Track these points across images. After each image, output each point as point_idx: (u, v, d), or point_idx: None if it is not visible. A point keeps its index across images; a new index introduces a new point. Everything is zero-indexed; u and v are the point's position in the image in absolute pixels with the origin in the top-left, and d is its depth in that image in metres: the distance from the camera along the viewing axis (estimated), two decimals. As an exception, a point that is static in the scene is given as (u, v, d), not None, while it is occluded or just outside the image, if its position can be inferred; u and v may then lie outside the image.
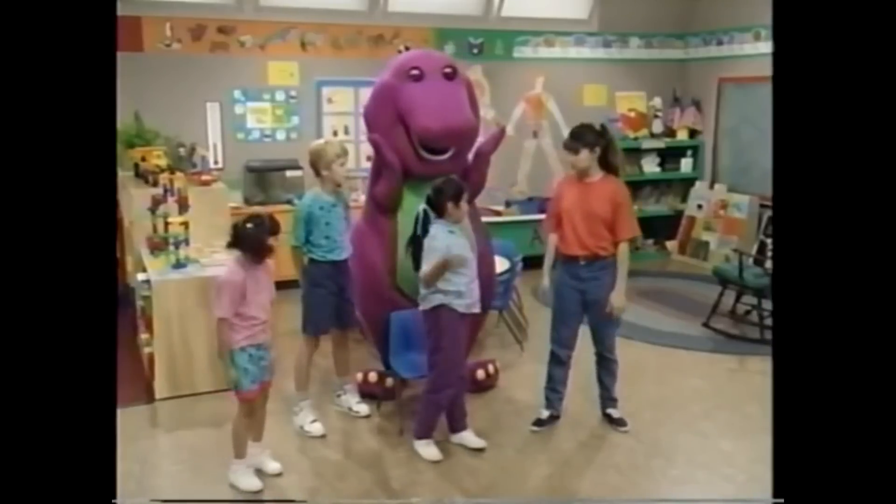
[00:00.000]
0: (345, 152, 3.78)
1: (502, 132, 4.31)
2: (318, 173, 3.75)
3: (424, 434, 3.55)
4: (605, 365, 3.81)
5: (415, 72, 4.00)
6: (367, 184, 4.35)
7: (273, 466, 3.37)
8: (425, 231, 3.38)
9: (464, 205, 3.39)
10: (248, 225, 3.13)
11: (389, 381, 4.00)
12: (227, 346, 3.12)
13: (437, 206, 3.38)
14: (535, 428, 3.81)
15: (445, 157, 3.98)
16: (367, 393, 4.06)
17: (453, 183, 3.42)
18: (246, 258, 3.15)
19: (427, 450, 3.52)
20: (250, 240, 3.12)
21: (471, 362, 4.08)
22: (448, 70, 4.06)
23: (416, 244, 3.40)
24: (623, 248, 3.57)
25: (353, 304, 3.97)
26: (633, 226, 3.61)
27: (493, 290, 4.30)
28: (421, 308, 3.47)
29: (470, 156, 4.17)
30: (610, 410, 3.86)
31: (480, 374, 4.21)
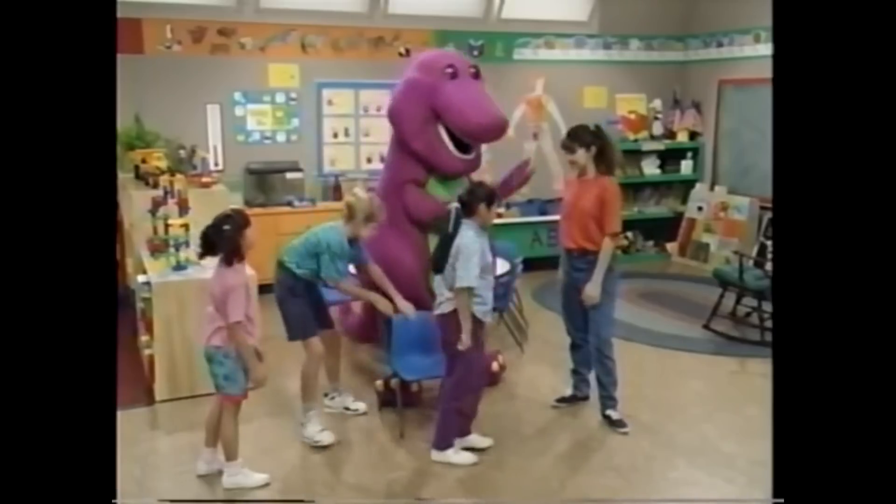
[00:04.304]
0: (379, 217, 3.72)
1: (529, 170, 4.55)
2: (347, 219, 3.69)
3: (448, 443, 3.51)
4: (600, 360, 3.84)
5: (450, 70, 4.08)
6: (404, 196, 4.24)
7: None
8: (456, 230, 3.40)
9: (494, 209, 3.46)
10: (225, 227, 3.12)
11: (414, 387, 3.99)
12: (247, 348, 3.15)
13: (469, 205, 3.39)
14: (556, 404, 4.07)
15: (472, 155, 4.14)
16: (388, 401, 3.98)
17: (487, 187, 3.50)
18: (227, 259, 3.15)
19: (458, 456, 3.49)
20: (230, 241, 3.12)
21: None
22: (473, 70, 4.20)
23: (444, 243, 3.40)
24: (605, 242, 3.69)
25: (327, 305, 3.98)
26: (614, 222, 3.70)
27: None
28: (437, 313, 3.46)
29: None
30: (609, 412, 3.87)
31: (494, 365, 4.24)
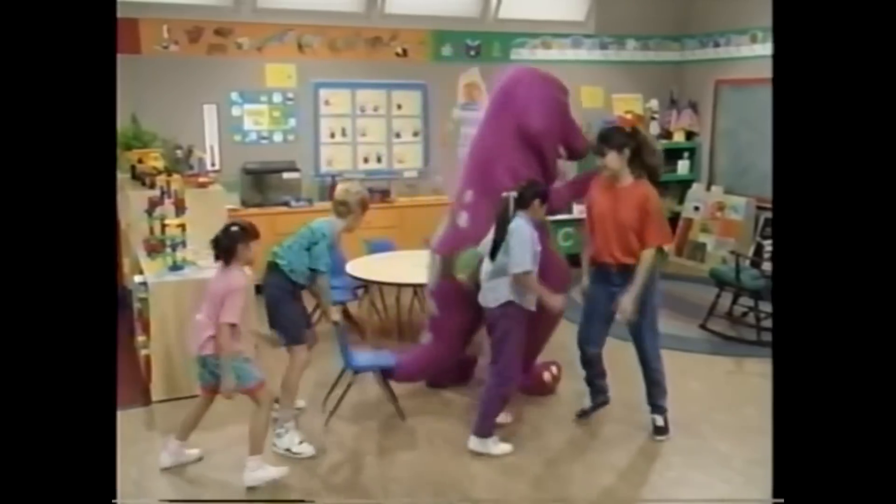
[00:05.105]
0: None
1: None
2: (343, 214, 3.78)
3: (490, 431, 3.56)
4: (644, 372, 3.77)
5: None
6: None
7: (194, 452, 3.48)
8: (509, 219, 3.47)
9: (545, 207, 3.54)
10: (234, 228, 3.21)
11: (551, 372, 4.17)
12: (229, 352, 3.16)
13: (525, 198, 3.47)
14: (579, 419, 3.91)
15: None
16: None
17: (542, 184, 3.61)
18: (233, 263, 3.22)
19: (497, 447, 3.55)
20: (229, 241, 3.20)
21: (537, 364, 4.17)
22: None
23: (500, 230, 3.45)
24: (645, 254, 3.50)
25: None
26: (661, 233, 3.54)
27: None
28: (486, 305, 3.52)
29: None
30: (654, 416, 3.79)
31: (546, 376, 4.19)
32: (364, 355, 3.99)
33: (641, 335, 3.68)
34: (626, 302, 3.50)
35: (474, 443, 3.56)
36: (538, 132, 3.94)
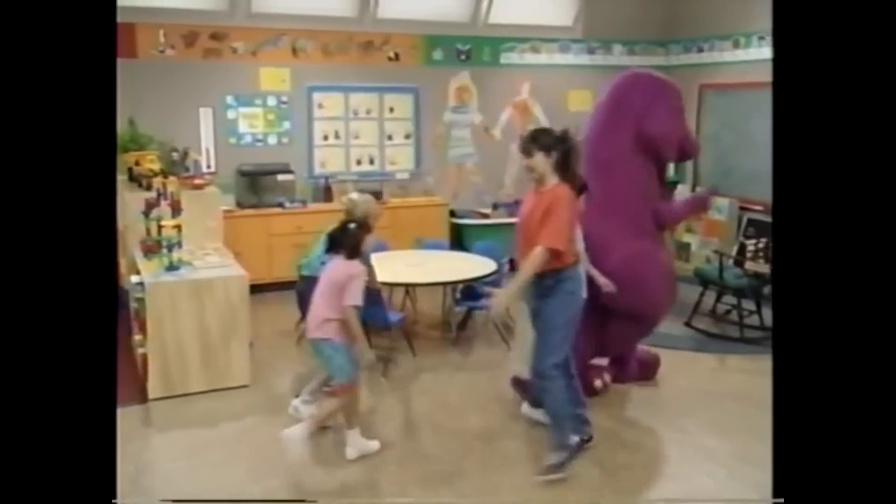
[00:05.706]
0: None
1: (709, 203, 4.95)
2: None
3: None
4: (542, 388, 3.49)
5: None
6: (656, 204, 4.17)
7: (375, 444, 3.61)
8: None
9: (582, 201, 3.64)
10: (352, 226, 3.46)
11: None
12: (360, 331, 3.36)
13: None
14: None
15: None
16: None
17: (581, 178, 3.56)
18: (350, 254, 3.43)
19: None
20: (352, 239, 3.44)
21: (592, 365, 4.26)
22: None
23: None
24: (535, 251, 3.20)
25: None
26: (554, 235, 3.20)
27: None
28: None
29: None
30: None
31: (597, 382, 4.23)
32: (394, 314, 4.73)
33: (537, 345, 3.43)
34: (498, 295, 3.34)
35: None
36: (659, 135, 4.00)
